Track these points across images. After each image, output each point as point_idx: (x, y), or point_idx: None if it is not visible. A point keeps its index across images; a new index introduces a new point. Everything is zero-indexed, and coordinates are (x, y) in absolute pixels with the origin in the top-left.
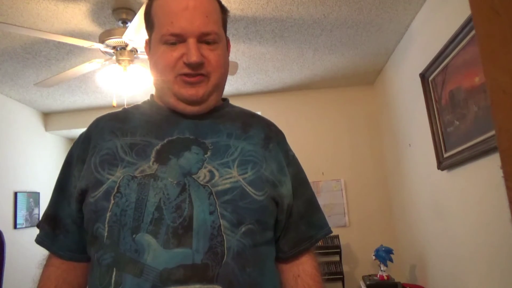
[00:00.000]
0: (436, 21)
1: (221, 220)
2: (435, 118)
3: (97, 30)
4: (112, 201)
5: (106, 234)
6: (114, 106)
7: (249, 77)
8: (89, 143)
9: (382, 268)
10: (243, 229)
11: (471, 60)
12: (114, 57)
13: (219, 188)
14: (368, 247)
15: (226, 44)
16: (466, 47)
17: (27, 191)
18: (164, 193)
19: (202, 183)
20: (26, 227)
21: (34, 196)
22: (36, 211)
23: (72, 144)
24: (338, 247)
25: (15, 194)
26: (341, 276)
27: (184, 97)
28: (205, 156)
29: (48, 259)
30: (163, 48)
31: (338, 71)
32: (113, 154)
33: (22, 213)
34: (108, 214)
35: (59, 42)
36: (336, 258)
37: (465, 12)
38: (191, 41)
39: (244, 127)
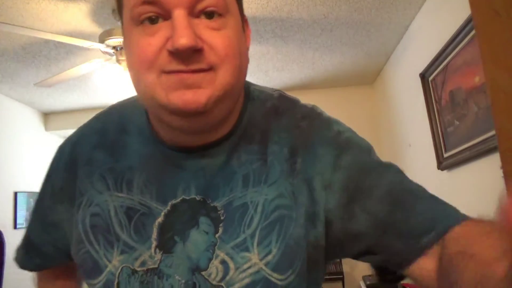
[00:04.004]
0: (436, 21)
1: None
2: (435, 118)
3: (97, 30)
4: None
5: None
6: None
7: (249, 77)
8: (74, 175)
9: None
10: None
11: (471, 60)
12: (114, 57)
13: (236, 287)
14: None
15: (243, 26)
16: (466, 47)
17: (27, 191)
18: None
19: (214, 283)
20: (26, 227)
21: (34, 196)
22: None
23: (51, 163)
24: None
25: (15, 194)
26: (341, 276)
27: (177, 107)
28: (216, 236)
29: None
30: (136, 33)
31: (338, 71)
32: (106, 223)
33: (22, 213)
34: None
35: (59, 42)
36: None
37: (465, 12)
38: (178, 14)
39: (263, 151)
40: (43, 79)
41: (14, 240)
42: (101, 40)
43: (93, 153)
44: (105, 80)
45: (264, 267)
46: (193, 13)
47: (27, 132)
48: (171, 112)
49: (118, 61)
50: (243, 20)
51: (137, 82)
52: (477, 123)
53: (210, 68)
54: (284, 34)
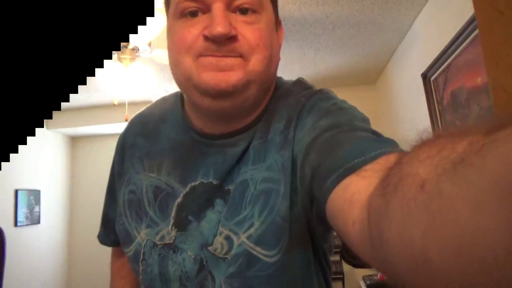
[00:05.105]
0: (439, 20)
1: None
2: (437, 118)
3: None
4: (141, 267)
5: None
6: (115, 105)
7: None
8: (123, 157)
9: None
10: None
11: (473, 60)
12: (115, 56)
13: (231, 260)
14: None
15: (276, 26)
16: (468, 47)
17: (28, 188)
18: (182, 270)
19: (220, 255)
20: (26, 224)
21: (35, 194)
22: (36, 209)
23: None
24: (339, 246)
25: (16, 191)
26: (342, 276)
27: (209, 86)
28: (221, 215)
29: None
30: (178, 25)
31: (339, 71)
32: (139, 199)
33: (22, 211)
34: (141, 277)
35: None
36: (336, 257)
37: (468, 11)
38: (217, 7)
39: (267, 130)
40: None
41: (14, 237)
42: None
43: (136, 139)
44: (106, 79)
45: (245, 240)
46: (230, 8)
47: None
48: (203, 92)
49: (119, 59)
50: (277, 21)
51: (176, 65)
52: None
53: (241, 56)
54: (285, 34)
